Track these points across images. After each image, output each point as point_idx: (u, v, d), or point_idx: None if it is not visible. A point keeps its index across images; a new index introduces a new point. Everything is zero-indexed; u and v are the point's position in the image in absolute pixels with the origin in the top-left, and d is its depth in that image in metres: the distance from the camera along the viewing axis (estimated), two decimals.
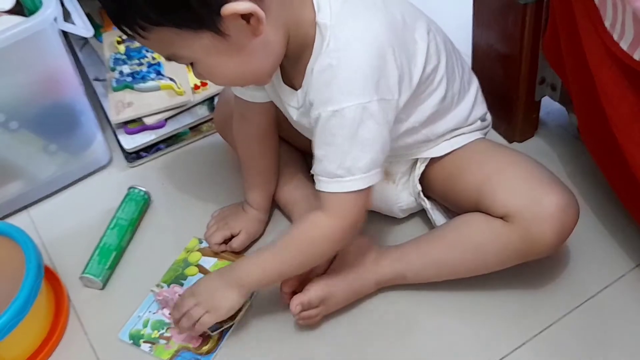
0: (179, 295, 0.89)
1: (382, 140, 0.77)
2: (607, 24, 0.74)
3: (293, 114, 0.84)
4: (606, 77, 0.77)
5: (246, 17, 0.70)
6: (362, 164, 0.76)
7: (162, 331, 0.90)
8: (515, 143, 1.07)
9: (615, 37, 0.73)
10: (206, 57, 0.73)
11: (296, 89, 0.81)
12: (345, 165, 0.76)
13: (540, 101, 1.05)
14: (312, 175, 0.96)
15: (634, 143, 0.77)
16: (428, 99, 0.84)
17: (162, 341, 0.90)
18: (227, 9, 0.69)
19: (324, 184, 0.78)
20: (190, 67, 0.77)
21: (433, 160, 0.89)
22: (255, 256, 0.86)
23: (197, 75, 0.78)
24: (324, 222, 0.79)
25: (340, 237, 0.80)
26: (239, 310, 0.87)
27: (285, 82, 0.83)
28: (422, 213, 0.95)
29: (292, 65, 0.80)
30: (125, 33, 0.73)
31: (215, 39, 0.71)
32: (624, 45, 0.72)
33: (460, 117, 0.88)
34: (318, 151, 0.78)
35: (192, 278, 0.96)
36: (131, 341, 0.90)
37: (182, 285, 0.95)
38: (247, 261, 0.86)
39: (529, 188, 0.81)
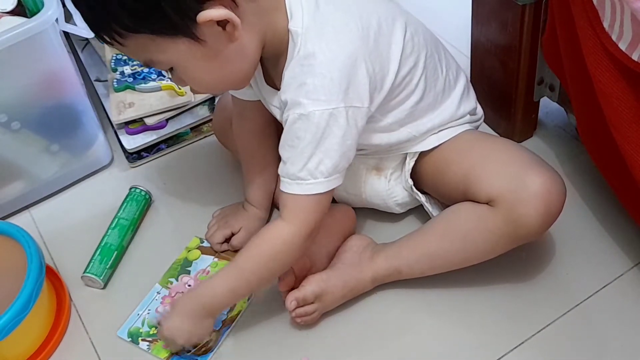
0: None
1: (347, 146, 0.77)
2: (605, 24, 0.74)
3: (276, 113, 0.85)
4: (604, 78, 0.77)
5: (222, 23, 0.71)
6: (324, 168, 0.76)
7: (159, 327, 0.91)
8: None
9: (614, 37, 0.73)
10: (183, 62, 0.75)
11: (278, 90, 0.82)
12: (308, 168, 0.76)
13: (539, 101, 1.05)
14: None
15: (633, 143, 0.77)
16: (406, 100, 0.84)
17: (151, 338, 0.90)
18: (203, 16, 0.70)
19: (286, 185, 0.78)
20: (169, 72, 0.78)
21: (422, 154, 0.90)
22: (218, 281, 0.83)
23: (177, 80, 0.79)
24: (284, 230, 0.79)
25: (300, 242, 0.79)
26: (236, 315, 0.90)
27: (267, 83, 0.84)
28: (419, 209, 0.96)
29: (272, 68, 0.81)
30: (103, 40, 0.74)
31: (191, 44, 0.72)
32: (623, 46, 0.72)
33: (446, 115, 0.88)
34: (283, 153, 0.78)
35: (197, 262, 0.98)
36: (130, 339, 0.90)
37: (189, 272, 0.96)
38: (211, 288, 0.83)
39: (512, 171, 0.81)
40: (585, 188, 0.99)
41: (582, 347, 0.84)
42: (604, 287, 0.89)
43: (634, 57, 0.71)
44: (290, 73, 0.76)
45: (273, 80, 0.83)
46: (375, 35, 0.78)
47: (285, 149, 0.78)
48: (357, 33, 0.76)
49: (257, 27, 0.75)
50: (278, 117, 0.85)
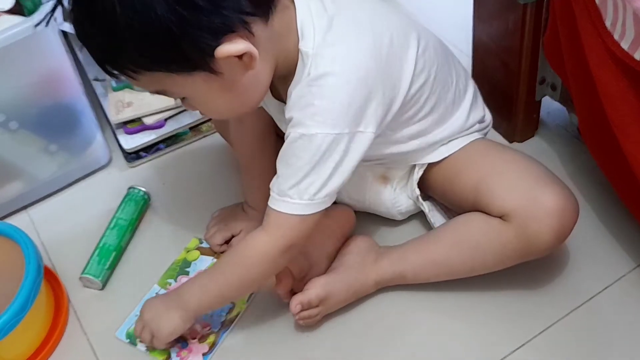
0: None
1: (341, 172, 0.76)
2: (607, 23, 0.74)
3: (282, 126, 0.84)
4: (606, 77, 0.77)
5: (239, 55, 0.70)
6: (313, 190, 0.75)
7: None
8: (515, 143, 1.07)
9: (616, 37, 0.73)
10: (199, 94, 0.74)
11: (285, 104, 0.81)
12: (299, 188, 0.75)
13: (540, 101, 1.05)
14: None
15: (635, 143, 0.77)
16: (416, 116, 0.83)
17: None
18: (222, 51, 0.68)
19: (273, 200, 0.77)
20: (180, 100, 0.76)
21: (431, 164, 0.89)
22: (197, 278, 0.86)
23: (188, 107, 0.78)
24: (260, 240, 0.78)
25: (275, 256, 0.78)
26: (235, 315, 0.90)
27: (274, 96, 0.83)
28: (422, 214, 0.95)
29: (281, 84, 0.80)
30: (111, 75, 0.72)
31: (208, 77, 0.71)
32: (625, 45, 0.72)
33: (457, 126, 0.88)
34: (279, 168, 0.77)
35: (196, 263, 0.97)
36: (128, 340, 0.90)
37: (188, 273, 0.96)
38: (189, 283, 0.86)
39: (526, 186, 0.80)
40: (587, 188, 0.98)
41: (585, 347, 0.84)
42: (607, 287, 0.88)
43: (636, 56, 0.71)
44: (298, 93, 0.75)
45: (280, 94, 0.82)
46: (387, 54, 0.76)
47: (281, 164, 0.77)
48: (369, 55, 0.75)
49: (271, 52, 0.74)
50: (284, 130, 0.85)
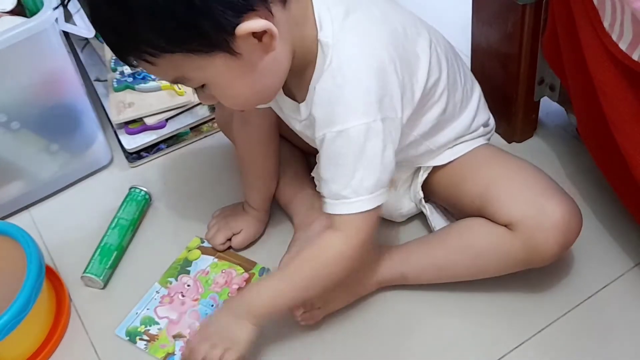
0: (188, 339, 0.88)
1: (387, 159, 0.76)
2: (606, 24, 0.74)
3: (295, 125, 0.84)
4: (605, 78, 0.77)
5: (257, 35, 0.69)
6: (367, 184, 0.75)
7: (147, 327, 0.91)
8: (514, 143, 1.07)
9: (614, 37, 0.73)
10: (219, 78, 0.72)
11: (298, 101, 0.80)
12: (352, 185, 0.75)
13: (539, 101, 1.05)
14: (314, 176, 0.97)
15: (633, 143, 0.77)
16: (429, 111, 0.83)
17: (147, 337, 0.90)
18: (242, 28, 0.67)
19: (330, 207, 0.77)
20: (198, 89, 0.75)
21: (436, 168, 0.89)
22: (265, 283, 0.84)
23: (205, 98, 0.76)
24: (337, 241, 0.77)
25: (354, 255, 0.78)
26: None
27: (286, 94, 0.82)
28: (421, 214, 0.96)
29: (295, 79, 0.78)
30: (129, 63, 0.71)
31: (228, 59, 0.69)
32: (623, 46, 0.72)
33: (463, 126, 0.88)
34: (325, 173, 0.77)
35: (197, 262, 0.97)
36: (127, 338, 0.91)
37: (188, 272, 0.96)
38: (256, 289, 0.83)
39: (533, 196, 0.80)
40: (586, 187, 0.98)
41: (585, 345, 0.84)
42: (606, 286, 0.89)
43: (634, 57, 0.71)
44: (323, 85, 0.74)
45: (292, 92, 0.81)
46: (403, 43, 0.77)
47: (326, 168, 0.76)
48: (387, 42, 0.75)
49: (289, 37, 0.73)
50: (297, 128, 0.84)
